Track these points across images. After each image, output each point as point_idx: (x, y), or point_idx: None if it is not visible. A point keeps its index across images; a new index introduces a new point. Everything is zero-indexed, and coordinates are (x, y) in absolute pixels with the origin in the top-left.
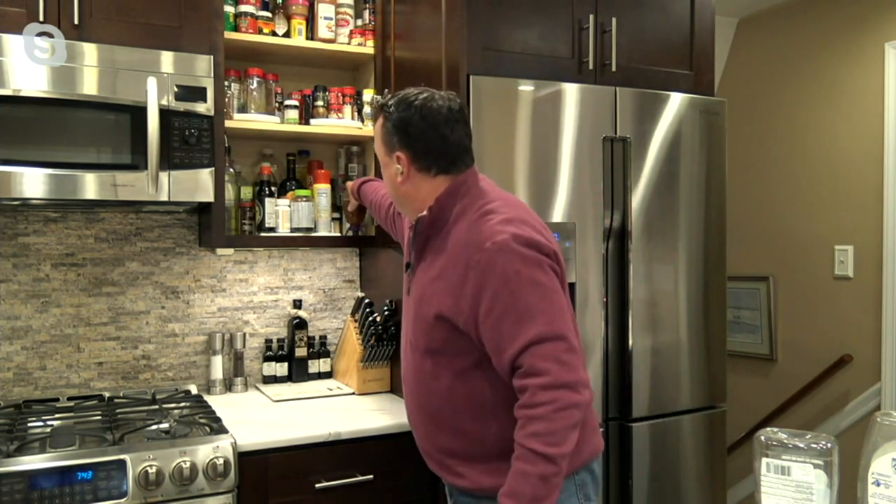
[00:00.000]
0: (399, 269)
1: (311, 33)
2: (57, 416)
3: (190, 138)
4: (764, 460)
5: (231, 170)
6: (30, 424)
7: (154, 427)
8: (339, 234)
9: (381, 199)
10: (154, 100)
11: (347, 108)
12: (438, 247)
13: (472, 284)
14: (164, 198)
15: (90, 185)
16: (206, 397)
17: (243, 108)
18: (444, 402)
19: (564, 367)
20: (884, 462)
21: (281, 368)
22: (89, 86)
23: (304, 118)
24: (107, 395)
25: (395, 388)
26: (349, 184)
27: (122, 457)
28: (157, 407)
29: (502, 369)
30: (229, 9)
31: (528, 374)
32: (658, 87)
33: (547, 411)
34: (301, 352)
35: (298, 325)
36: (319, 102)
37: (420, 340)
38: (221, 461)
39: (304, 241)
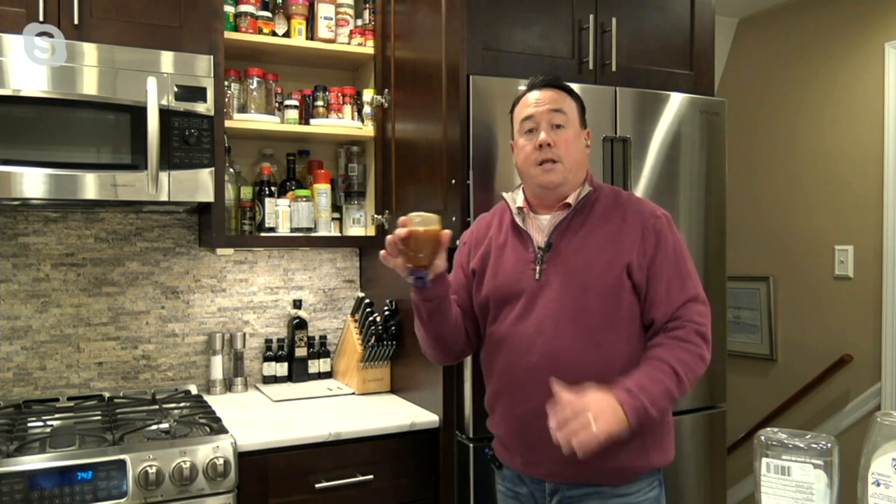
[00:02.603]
0: None
1: (311, 33)
2: (57, 416)
3: (190, 138)
4: (764, 460)
5: (231, 170)
6: (30, 424)
7: (154, 427)
8: (338, 234)
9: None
10: (154, 100)
11: (347, 108)
12: (594, 220)
13: (649, 244)
14: (164, 198)
15: (90, 185)
16: (206, 397)
17: (243, 108)
18: (618, 371)
19: (708, 331)
20: (884, 462)
21: (281, 368)
22: (89, 86)
23: (304, 118)
24: (107, 395)
25: (395, 388)
26: (409, 227)
27: (122, 457)
28: (157, 407)
29: (661, 320)
30: (229, 9)
31: (687, 321)
32: (658, 87)
33: (694, 351)
34: (301, 352)
35: (298, 325)
36: (319, 102)
37: (593, 305)
38: (221, 461)
39: (304, 241)
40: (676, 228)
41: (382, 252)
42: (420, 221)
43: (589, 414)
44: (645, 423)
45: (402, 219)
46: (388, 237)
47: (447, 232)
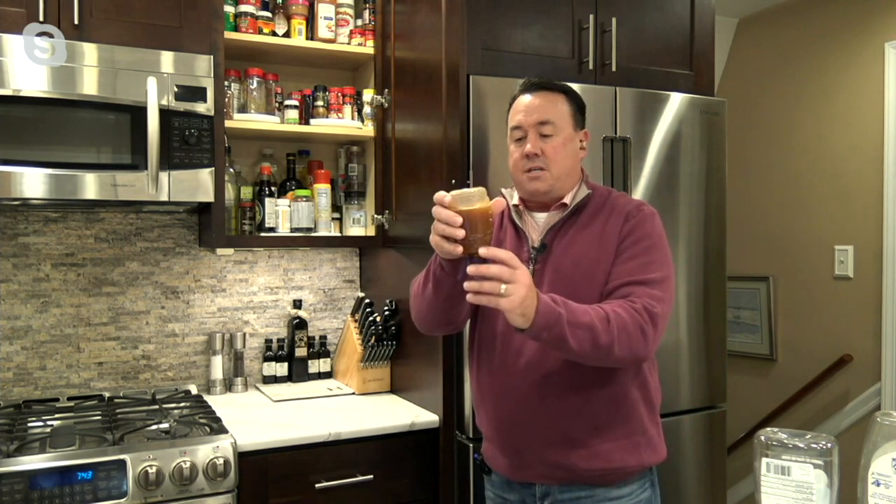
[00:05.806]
0: (398, 269)
1: (311, 33)
2: (57, 416)
3: (190, 138)
4: (764, 460)
5: (231, 170)
6: (30, 424)
7: (154, 427)
8: (338, 234)
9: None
10: (154, 100)
11: (347, 108)
12: (584, 220)
13: (628, 228)
14: (164, 198)
15: (90, 185)
16: (206, 397)
17: (243, 108)
18: (607, 372)
19: (660, 313)
20: (884, 462)
21: (281, 368)
22: (89, 86)
23: (304, 118)
24: (107, 395)
25: (395, 388)
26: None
27: (122, 457)
28: (157, 407)
29: (613, 289)
30: (229, 9)
31: (638, 296)
32: (658, 87)
33: (635, 318)
34: (301, 352)
35: (298, 325)
36: (319, 102)
37: (583, 303)
38: (221, 461)
39: (304, 241)
40: (660, 224)
41: (436, 239)
42: (471, 198)
43: (503, 287)
44: (548, 338)
45: (446, 199)
46: (441, 217)
47: (499, 201)
